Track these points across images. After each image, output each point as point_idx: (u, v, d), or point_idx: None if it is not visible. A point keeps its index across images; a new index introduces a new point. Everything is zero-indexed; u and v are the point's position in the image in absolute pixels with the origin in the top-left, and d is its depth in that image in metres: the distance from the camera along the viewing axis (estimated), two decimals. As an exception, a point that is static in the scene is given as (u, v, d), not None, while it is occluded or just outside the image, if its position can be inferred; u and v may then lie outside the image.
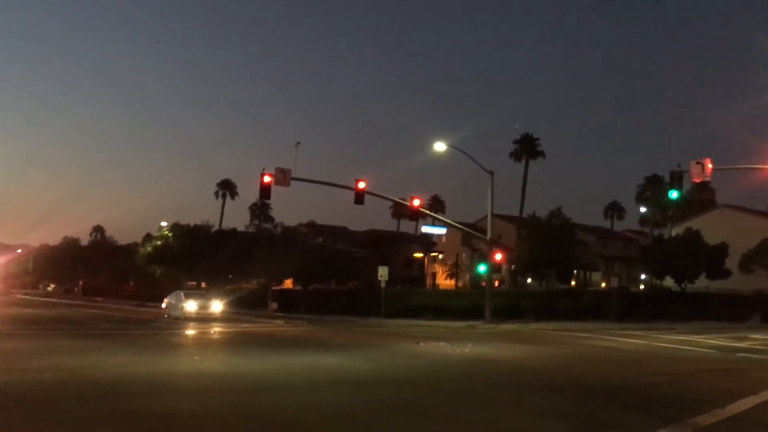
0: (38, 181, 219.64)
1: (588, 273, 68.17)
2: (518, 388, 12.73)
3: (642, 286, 62.88)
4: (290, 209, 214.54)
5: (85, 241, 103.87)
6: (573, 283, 60.06)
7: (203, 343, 23.61)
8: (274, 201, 64.45)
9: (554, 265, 47.02)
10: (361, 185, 34.19)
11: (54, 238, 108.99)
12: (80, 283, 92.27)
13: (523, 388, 12.74)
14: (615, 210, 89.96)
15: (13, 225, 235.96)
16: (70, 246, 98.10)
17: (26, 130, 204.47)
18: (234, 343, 23.38)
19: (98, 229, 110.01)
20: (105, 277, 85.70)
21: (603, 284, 65.53)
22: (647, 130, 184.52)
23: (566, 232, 48.75)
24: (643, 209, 76.22)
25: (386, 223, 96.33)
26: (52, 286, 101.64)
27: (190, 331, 27.98)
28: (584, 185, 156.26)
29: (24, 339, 22.29)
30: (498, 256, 38.73)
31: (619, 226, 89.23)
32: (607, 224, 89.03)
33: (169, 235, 60.80)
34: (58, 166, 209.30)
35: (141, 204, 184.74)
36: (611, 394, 11.97)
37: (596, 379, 14.23)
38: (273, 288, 53.45)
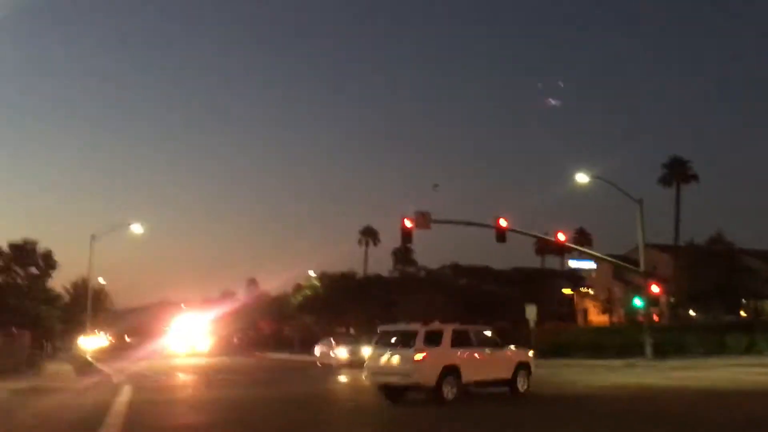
0: (194, 238, 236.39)
1: (760, 302, 62.32)
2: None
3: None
4: (432, 251, 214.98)
5: (240, 293, 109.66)
6: (742, 313, 55.18)
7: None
8: (415, 244, 65.18)
9: (720, 295, 43.47)
10: (503, 223, 33.66)
11: (212, 292, 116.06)
12: (239, 335, 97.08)
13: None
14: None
15: (175, 282, 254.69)
16: (228, 300, 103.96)
17: (178, 191, 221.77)
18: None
19: (252, 282, 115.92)
20: (261, 327, 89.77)
21: (778, 313, 59.58)
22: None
23: (731, 258, 45.12)
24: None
25: (530, 259, 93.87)
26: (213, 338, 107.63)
27: (342, 379, 28.38)
28: (746, 207, 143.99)
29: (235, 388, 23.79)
30: (655, 288, 36.37)
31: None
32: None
33: (318, 284, 62.94)
34: (210, 223, 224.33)
35: (288, 254, 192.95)
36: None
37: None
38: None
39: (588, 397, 18.12)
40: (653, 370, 27.50)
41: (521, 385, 18.16)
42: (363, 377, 17.85)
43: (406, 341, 16.91)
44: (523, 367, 18.45)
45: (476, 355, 17.50)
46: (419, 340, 16.48)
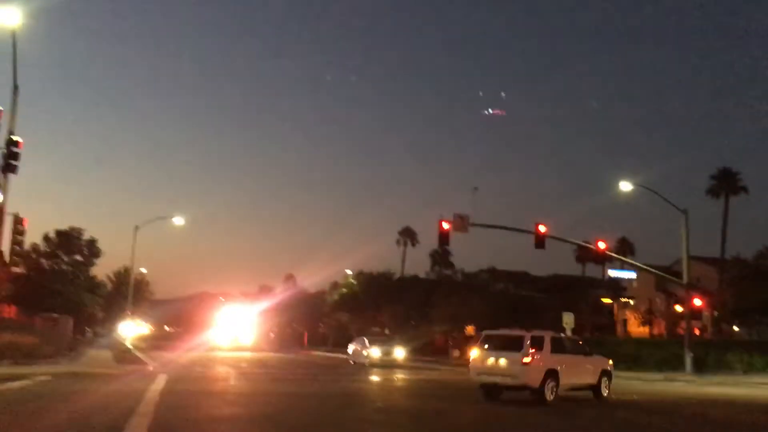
0: (233, 232, 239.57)
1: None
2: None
3: None
4: (470, 254, 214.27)
5: (278, 289, 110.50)
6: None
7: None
8: (453, 246, 64.88)
9: (765, 311, 42.18)
10: (542, 229, 33.24)
11: (250, 286, 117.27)
12: (275, 330, 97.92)
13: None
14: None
15: (214, 275, 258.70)
16: (266, 294, 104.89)
17: (219, 186, 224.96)
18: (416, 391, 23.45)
19: (290, 278, 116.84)
20: (297, 323, 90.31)
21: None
22: None
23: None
24: None
25: (570, 267, 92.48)
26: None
27: (374, 378, 28.34)
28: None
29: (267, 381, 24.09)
30: (697, 302, 35.47)
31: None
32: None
33: (354, 282, 63.15)
34: (250, 218, 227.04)
35: (326, 252, 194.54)
36: None
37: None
38: (454, 335, 53.13)
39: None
40: (693, 386, 26.81)
41: (604, 390, 19.82)
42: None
43: (512, 345, 18.16)
44: (606, 374, 20.10)
45: (571, 360, 18.92)
46: (526, 344, 17.77)
